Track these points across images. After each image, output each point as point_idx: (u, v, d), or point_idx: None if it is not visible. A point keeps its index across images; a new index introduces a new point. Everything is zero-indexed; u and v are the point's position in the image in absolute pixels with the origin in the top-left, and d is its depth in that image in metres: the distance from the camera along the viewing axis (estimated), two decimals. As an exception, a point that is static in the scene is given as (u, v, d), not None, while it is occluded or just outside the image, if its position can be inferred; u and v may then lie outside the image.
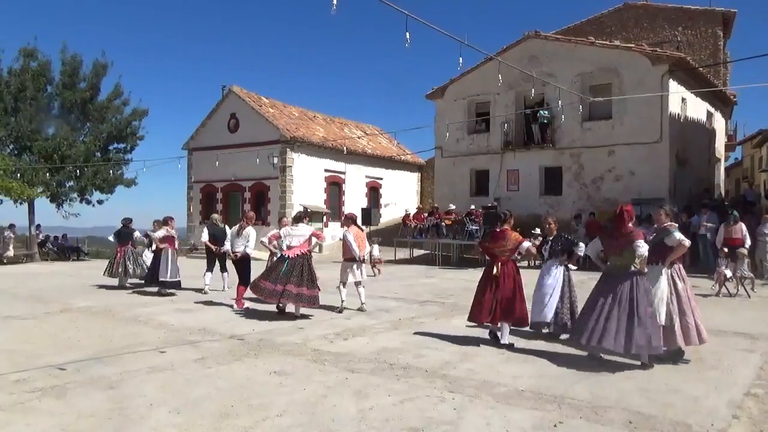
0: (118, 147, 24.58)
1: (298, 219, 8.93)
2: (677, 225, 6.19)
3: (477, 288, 6.68)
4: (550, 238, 7.16)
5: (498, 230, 6.66)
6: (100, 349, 6.41)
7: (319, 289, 8.51)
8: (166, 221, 11.32)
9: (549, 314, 6.81)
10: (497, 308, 6.35)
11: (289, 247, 8.50)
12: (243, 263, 9.68)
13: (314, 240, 8.80)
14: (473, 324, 6.88)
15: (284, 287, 8.16)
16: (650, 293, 5.63)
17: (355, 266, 8.93)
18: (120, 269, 12.15)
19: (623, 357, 5.56)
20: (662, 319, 5.65)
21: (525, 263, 14.82)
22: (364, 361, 5.82)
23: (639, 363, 5.51)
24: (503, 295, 6.36)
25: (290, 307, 8.59)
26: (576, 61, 18.94)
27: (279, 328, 7.63)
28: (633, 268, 5.55)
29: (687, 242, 5.79)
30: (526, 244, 6.64)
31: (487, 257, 6.89)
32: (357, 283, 9.05)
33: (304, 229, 8.71)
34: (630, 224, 5.68)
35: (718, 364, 5.70)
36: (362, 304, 9.10)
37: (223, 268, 11.59)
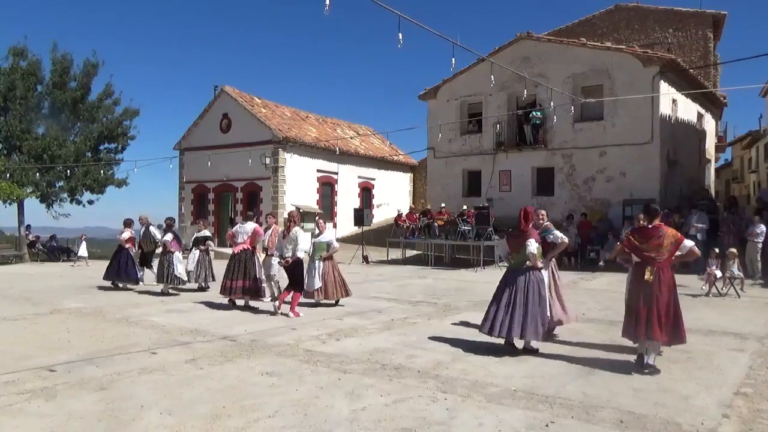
0: (108, 147, 24.45)
1: (247, 217, 10.11)
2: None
3: (629, 298, 5.71)
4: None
5: (651, 226, 5.53)
6: (91, 350, 6.36)
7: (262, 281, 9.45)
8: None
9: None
10: (654, 322, 5.31)
11: (236, 244, 9.49)
12: (296, 268, 8.77)
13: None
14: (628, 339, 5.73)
15: (233, 282, 9.19)
16: (543, 285, 6.17)
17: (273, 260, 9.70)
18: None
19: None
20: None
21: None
22: (357, 361, 5.81)
23: (630, 361, 5.56)
24: (659, 307, 5.33)
25: (240, 301, 9.53)
26: (568, 62, 19.01)
27: (271, 328, 7.61)
28: (528, 264, 6.07)
29: (566, 240, 6.81)
30: (689, 243, 5.52)
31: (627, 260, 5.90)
32: (270, 276, 9.77)
33: (249, 226, 9.62)
34: (529, 225, 6.17)
35: (708, 363, 5.74)
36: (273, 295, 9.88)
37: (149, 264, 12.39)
